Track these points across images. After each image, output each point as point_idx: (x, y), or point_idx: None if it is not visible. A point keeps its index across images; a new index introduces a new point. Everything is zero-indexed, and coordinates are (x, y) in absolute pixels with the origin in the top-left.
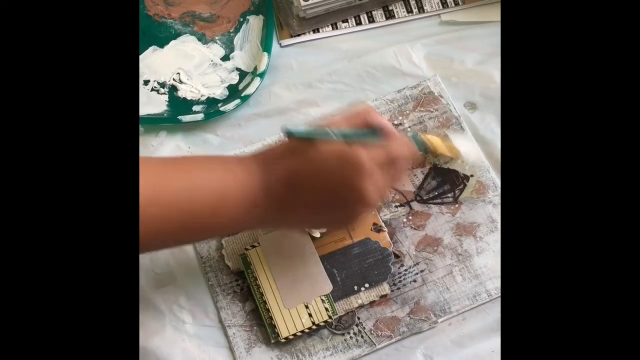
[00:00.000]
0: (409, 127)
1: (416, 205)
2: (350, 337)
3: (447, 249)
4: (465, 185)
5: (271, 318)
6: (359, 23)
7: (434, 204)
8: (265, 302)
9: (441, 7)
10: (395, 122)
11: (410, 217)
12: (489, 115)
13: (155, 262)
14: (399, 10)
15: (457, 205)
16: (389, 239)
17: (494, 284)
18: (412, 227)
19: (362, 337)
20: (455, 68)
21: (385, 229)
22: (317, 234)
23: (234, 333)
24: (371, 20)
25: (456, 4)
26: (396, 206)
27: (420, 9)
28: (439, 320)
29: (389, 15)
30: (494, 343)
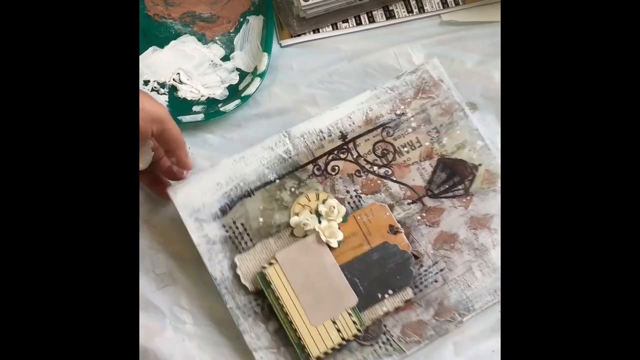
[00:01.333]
0: (412, 116)
1: (428, 201)
2: (380, 347)
3: (463, 244)
4: (474, 176)
5: (299, 338)
6: (359, 23)
7: (446, 197)
8: (291, 322)
9: (441, 7)
10: (398, 112)
11: (424, 214)
12: (489, 116)
13: (155, 263)
14: (399, 10)
15: (468, 198)
16: (406, 240)
17: None
18: (426, 225)
19: (391, 345)
20: (455, 68)
21: (402, 230)
22: (334, 244)
23: (261, 357)
24: (371, 20)
25: (456, 4)
26: (408, 203)
27: (421, 9)
28: (464, 320)
29: (389, 15)
30: (495, 343)
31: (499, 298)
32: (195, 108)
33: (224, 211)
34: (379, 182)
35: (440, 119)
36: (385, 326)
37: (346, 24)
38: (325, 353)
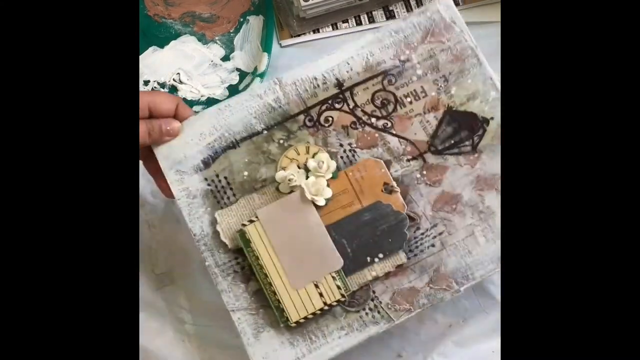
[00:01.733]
0: (418, 62)
1: (430, 158)
2: (366, 314)
3: (467, 206)
4: (485, 131)
5: (279, 301)
6: (359, 23)
7: (451, 154)
8: (270, 284)
9: None
10: (402, 58)
11: (425, 172)
12: None
13: (154, 263)
14: (400, 10)
15: (476, 155)
16: (402, 200)
17: None
18: (427, 184)
19: (378, 312)
20: None
21: (398, 189)
22: (321, 202)
23: (239, 318)
24: (371, 20)
25: (456, 4)
26: (408, 160)
27: None
28: (462, 289)
29: (390, 15)
30: (495, 343)
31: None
32: (196, 108)
33: (206, 163)
34: (376, 135)
35: (450, 66)
36: (373, 292)
37: (346, 24)
38: (306, 318)
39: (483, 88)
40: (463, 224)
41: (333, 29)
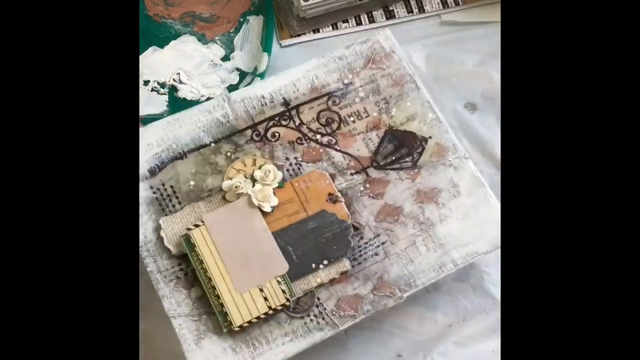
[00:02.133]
0: (360, 86)
1: (373, 172)
2: (311, 320)
3: (408, 217)
4: (423, 148)
5: (222, 305)
6: (359, 23)
7: (392, 169)
8: (214, 288)
9: (441, 7)
10: (346, 81)
11: (368, 185)
12: (490, 117)
13: None
14: (399, 10)
15: (416, 171)
16: (346, 209)
17: (460, 253)
18: (370, 196)
19: (323, 318)
20: (455, 69)
21: (342, 199)
22: (267, 208)
23: (180, 324)
24: (371, 20)
25: (456, 4)
26: (352, 174)
27: (421, 9)
28: (404, 295)
29: (390, 15)
30: (495, 343)
31: (443, 274)
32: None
33: (152, 172)
34: (321, 150)
35: (390, 90)
36: (318, 298)
37: (346, 24)
38: (249, 322)
39: (421, 110)
40: (405, 234)
41: (333, 29)
